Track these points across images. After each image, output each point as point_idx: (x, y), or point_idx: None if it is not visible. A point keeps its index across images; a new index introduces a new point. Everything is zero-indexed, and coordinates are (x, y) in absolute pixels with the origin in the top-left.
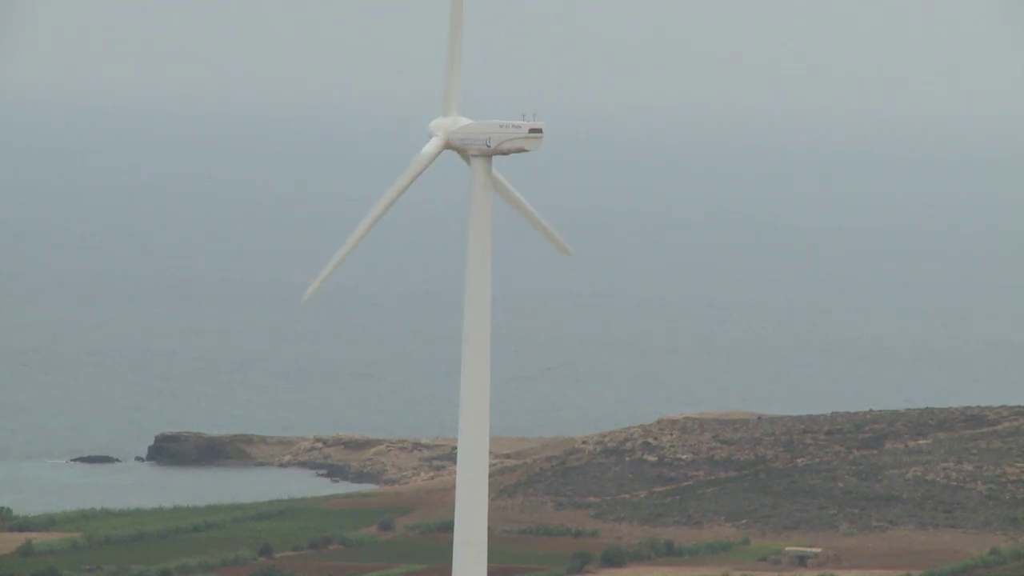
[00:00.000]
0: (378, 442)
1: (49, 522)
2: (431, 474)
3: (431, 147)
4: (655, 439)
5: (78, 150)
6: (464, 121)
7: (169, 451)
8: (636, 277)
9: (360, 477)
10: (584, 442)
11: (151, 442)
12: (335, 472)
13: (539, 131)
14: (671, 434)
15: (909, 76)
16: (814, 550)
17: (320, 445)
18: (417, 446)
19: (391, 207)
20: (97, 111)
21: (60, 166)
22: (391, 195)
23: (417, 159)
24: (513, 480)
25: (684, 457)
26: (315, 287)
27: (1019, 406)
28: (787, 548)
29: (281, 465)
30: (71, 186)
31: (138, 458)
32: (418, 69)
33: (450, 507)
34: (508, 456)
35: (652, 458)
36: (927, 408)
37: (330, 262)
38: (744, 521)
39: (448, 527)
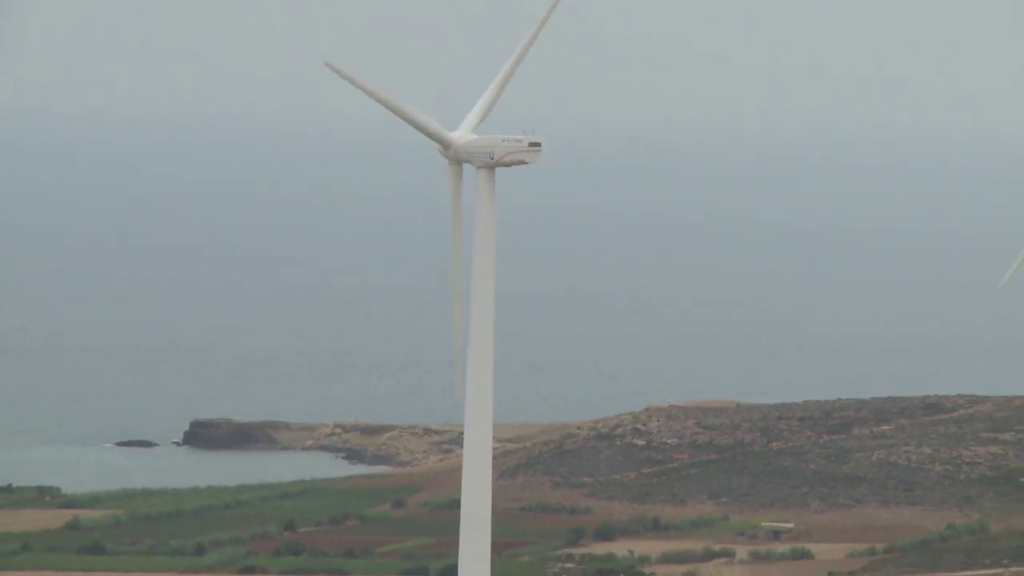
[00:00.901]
0: (392, 428)
1: (94, 500)
2: (440, 457)
3: (452, 180)
4: (643, 425)
5: (111, 161)
6: (470, 136)
7: (202, 436)
8: (627, 278)
9: (375, 460)
10: (579, 428)
11: (186, 428)
12: (353, 455)
13: (538, 144)
14: (658, 421)
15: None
16: (787, 525)
17: (339, 431)
18: (427, 431)
19: (391, 108)
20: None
21: (99, 177)
22: (401, 106)
23: (431, 122)
24: (514, 462)
25: (670, 441)
26: (458, 381)
27: (973, 395)
28: (763, 523)
29: (304, 449)
30: (109, 194)
31: (174, 442)
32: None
33: (457, 486)
34: (510, 440)
35: (641, 442)
36: (890, 397)
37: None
38: (724, 499)
39: (455, 504)
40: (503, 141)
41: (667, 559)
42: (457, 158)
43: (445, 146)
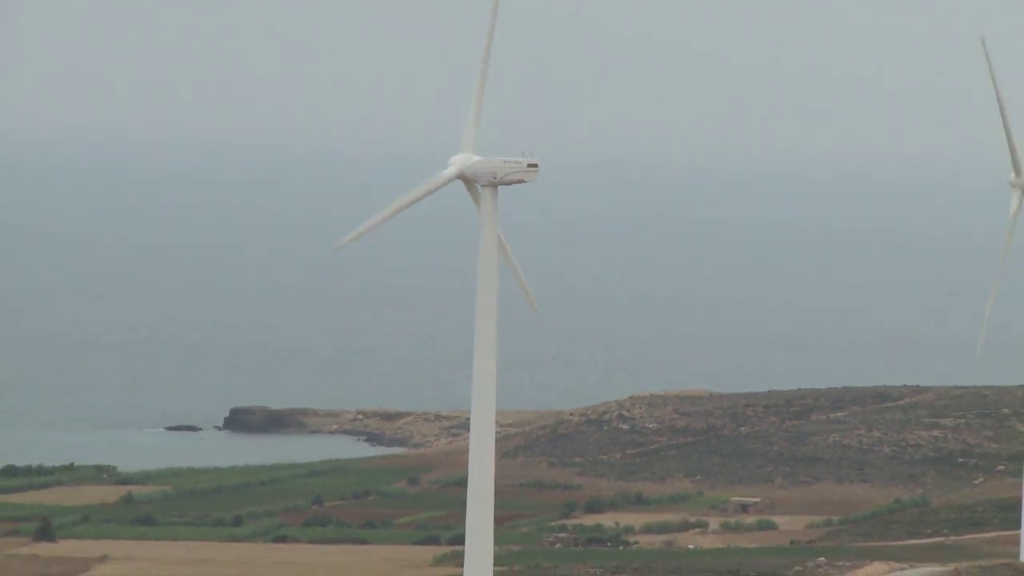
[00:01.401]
0: (407, 414)
1: (145, 477)
2: (449, 440)
3: (448, 171)
4: (627, 412)
5: (142, 181)
6: (476, 158)
7: (241, 421)
8: (615, 283)
9: (393, 442)
10: (571, 414)
11: (226, 414)
12: (373, 438)
13: (535, 165)
14: (640, 408)
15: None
16: (754, 500)
17: (361, 417)
18: (438, 417)
19: (405, 208)
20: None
21: (141, 191)
22: (409, 197)
23: (436, 176)
24: (514, 444)
25: (651, 426)
26: (342, 243)
27: (917, 385)
28: (732, 498)
29: (330, 432)
30: (150, 208)
31: (216, 427)
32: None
33: (464, 466)
34: (510, 425)
35: (625, 427)
36: (844, 387)
37: (355, 231)
38: (698, 477)
39: (463, 482)
40: (504, 162)
41: (648, 530)
42: (464, 178)
43: (459, 176)
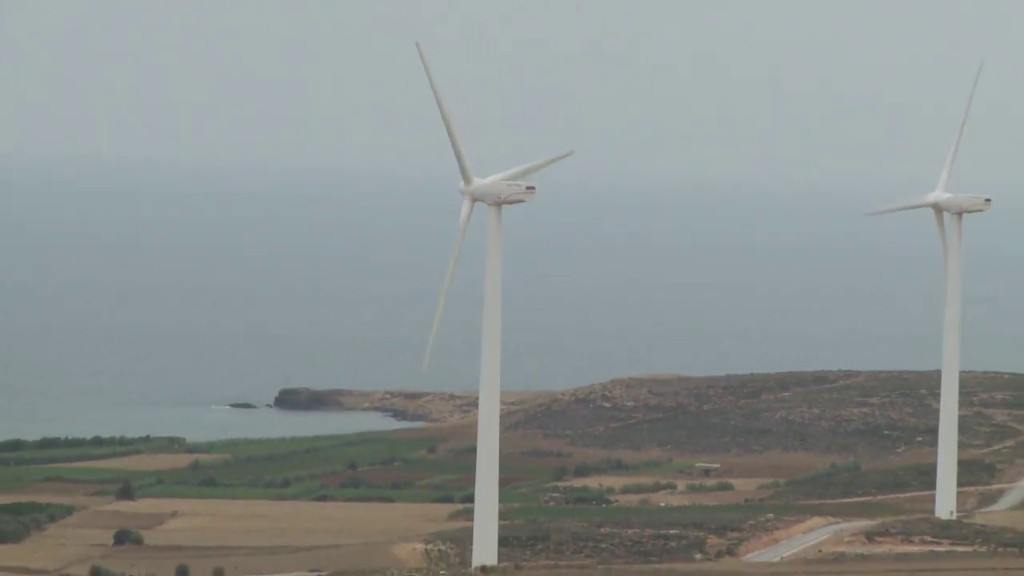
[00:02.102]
0: (427, 394)
1: (209, 447)
2: (461, 415)
3: (464, 211)
4: (609, 393)
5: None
6: (482, 182)
7: (289, 400)
8: (600, 287)
9: (415, 417)
10: (563, 394)
11: (277, 394)
12: (398, 414)
13: (532, 188)
14: (620, 389)
15: None
16: (715, 465)
17: (388, 396)
18: (452, 397)
19: (455, 266)
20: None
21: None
22: (452, 260)
23: (461, 225)
24: (515, 419)
25: (629, 404)
26: (427, 359)
27: (849, 370)
28: (697, 464)
29: (362, 409)
30: (216, 226)
31: (268, 405)
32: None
33: (474, 437)
34: (512, 403)
35: (607, 405)
36: (789, 372)
37: (430, 335)
38: (668, 446)
39: (473, 450)
40: (507, 185)
41: (627, 490)
42: (472, 196)
43: (467, 182)
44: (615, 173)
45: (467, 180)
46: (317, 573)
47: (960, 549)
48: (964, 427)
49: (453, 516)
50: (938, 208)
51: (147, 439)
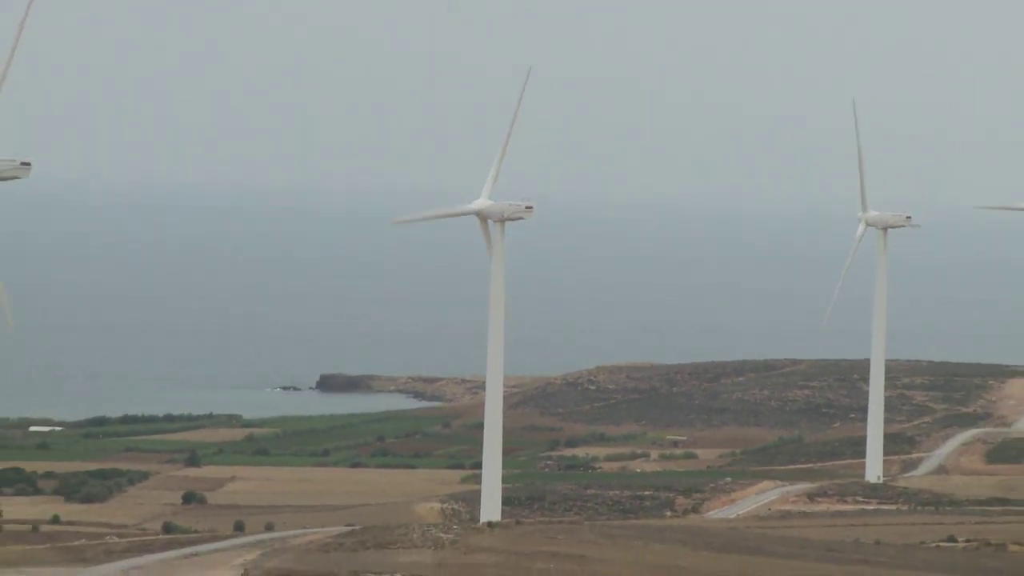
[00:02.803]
0: (442, 379)
1: (262, 422)
2: (472, 397)
3: (471, 206)
4: (594, 377)
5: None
6: (489, 202)
7: (328, 383)
8: (587, 292)
9: (432, 398)
10: (555, 379)
11: (318, 379)
12: (419, 395)
13: (531, 207)
14: (603, 374)
15: None
16: (682, 438)
17: (410, 380)
18: (464, 381)
19: (445, 215)
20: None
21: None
22: (448, 210)
23: (464, 205)
24: (516, 399)
25: (611, 387)
26: (401, 219)
27: (793, 359)
28: (667, 437)
29: (389, 392)
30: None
31: (311, 387)
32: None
33: (482, 415)
34: (514, 386)
35: (593, 387)
36: (743, 360)
37: (414, 216)
38: (643, 422)
39: (480, 426)
40: (510, 205)
41: (608, 459)
42: (483, 216)
43: (477, 213)
44: (590, 194)
45: (472, 211)
46: (351, 527)
47: (886, 507)
48: (889, 406)
49: (464, 480)
50: (868, 224)
51: (210, 416)
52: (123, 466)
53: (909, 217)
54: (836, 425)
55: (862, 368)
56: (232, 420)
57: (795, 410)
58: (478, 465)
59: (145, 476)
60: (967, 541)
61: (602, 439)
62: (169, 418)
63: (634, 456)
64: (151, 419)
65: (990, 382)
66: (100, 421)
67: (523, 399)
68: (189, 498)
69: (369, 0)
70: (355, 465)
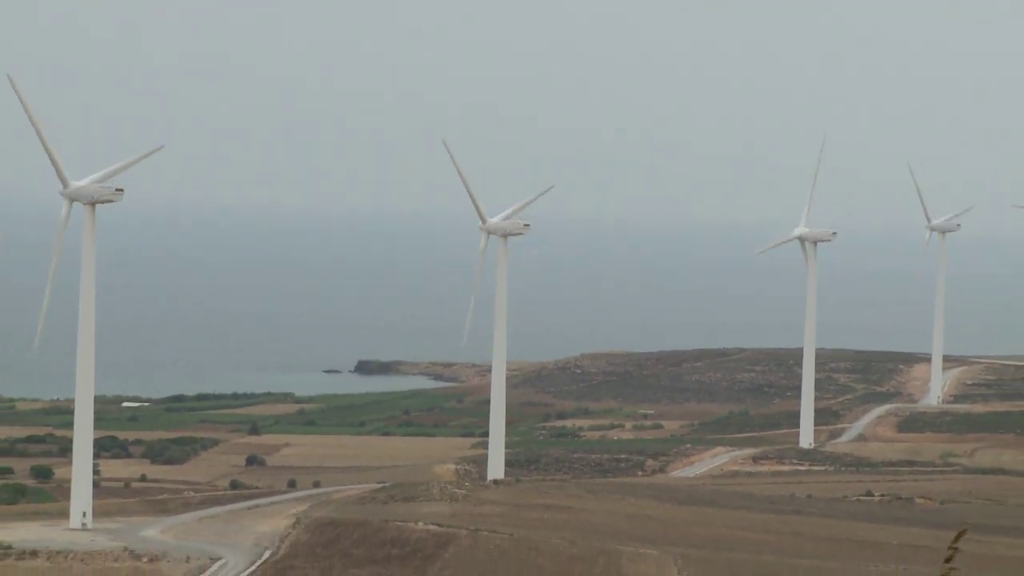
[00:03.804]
0: (456, 363)
1: (310, 399)
2: (480, 378)
3: (482, 243)
4: (580, 363)
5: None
6: (495, 220)
7: (364, 367)
8: (575, 292)
9: (449, 379)
10: (548, 364)
11: (356, 363)
12: (437, 377)
13: (528, 225)
14: (587, 360)
15: None
16: (651, 412)
17: (431, 365)
18: (475, 365)
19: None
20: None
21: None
22: (477, 271)
23: (479, 251)
24: (516, 380)
25: (593, 371)
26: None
27: (741, 347)
28: (639, 411)
29: (413, 374)
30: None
31: (350, 371)
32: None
33: (489, 392)
34: (514, 370)
35: (579, 371)
36: (701, 348)
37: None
38: (620, 399)
39: (487, 402)
40: (511, 222)
41: (591, 429)
42: (487, 231)
43: (483, 222)
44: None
45: (483, 219)
46: (382, 484)
47: (816, 468)
48: (818, 386)
49: (474, 446)
50: (801, 240)
51: (268, 394)
52: (197, 435)
53: (834, 233)
54: (776, 402)
55: (796, 355)
56: (286, 397)
57: (742, 389)
58: (485, 434)
59: (215, 443)
60: (882, 495)
61: (586, 413)
62: (235, 396)
63: (612, 427)
64: (220, 396)
65: (900, 366)
66: (179, 398)
67: (522, 380)
68: (251, 461)
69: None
70: (385, 434)
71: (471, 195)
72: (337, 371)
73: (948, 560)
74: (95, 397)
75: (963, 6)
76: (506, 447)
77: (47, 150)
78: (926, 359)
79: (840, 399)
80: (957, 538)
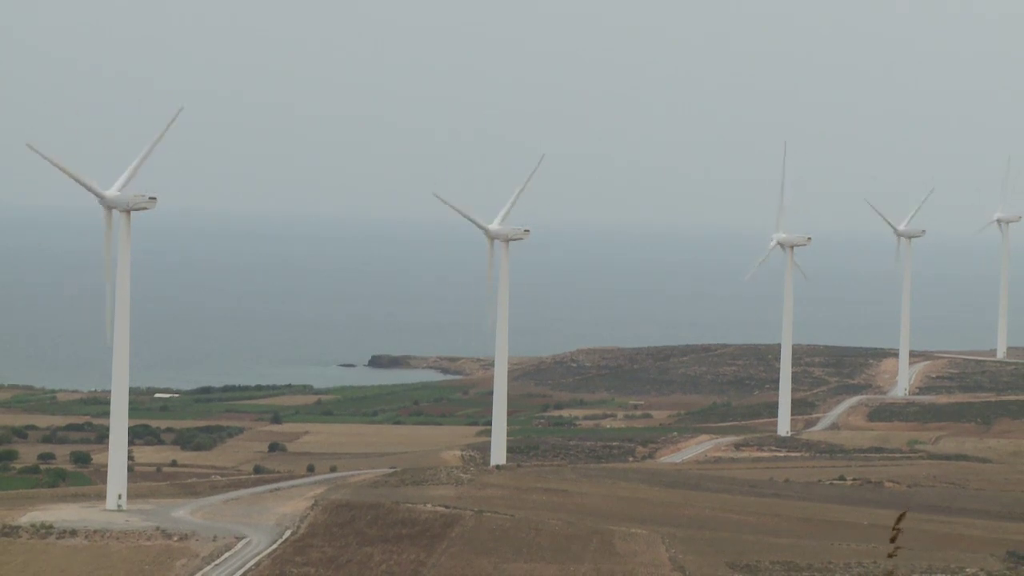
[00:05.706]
0: (462, 358)
1: (328, 391)
2: (484, 371)
3: (488, 249)
4: (576, 357)
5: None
6: (495, 225)
7: (377, 361)
8: (569, 293)
9: (455, 373)
10: (546, 359)
11: (369, 358)
12: (445, 371)
13: (528, 231)
14: (583, 355)
15: None
16: (641, 402)
17: (439, 359)
18: (479, 360)
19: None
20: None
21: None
22: (489, 267)
23: (489, 259)
24: (517, 374)
25: (588, 364)
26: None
27: (724, 343)
28: (630, 401)
29: (422, 368)
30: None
31: (364, 364)
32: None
33: (492, 385)
34: (516, 364)
35: (575, 365)
36: (687, 344)
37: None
38: (612, 391)
39: (490, 393)
40: (511, 229)
41: (586, 418)
42: (490, 237)
43: (486, 231)
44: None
45: (484, 228)
46: (394, 469)
47: (793, 455)
48: (795, 379)
49: (479, 434)
50: (781, 245)
51: (289, 386)
52: (224, 423)
53: (810, 238)
54: (756, 393)
55: (775, 350)
56: (305, 389)
57: (725, 381)
58: (488, 422)
59: (240, 431)
60: (853, 479)
61: (581, 403)
62: (258, 387)
63: (605, 416)
64: (245, 388)
65: (870, 361)
66: (207, 390)
67: (522, 373)
68: (273, 447)
69: None
70: (397, 423)
71: (469, 218)
72: (352, 365)
73: (893, 539)
74: (129, 389)
75: (939, 9)
76: (507, 435)
77: (74, 177)
78: (894, 354)
79: (815, 391)
80: (898, 520)
